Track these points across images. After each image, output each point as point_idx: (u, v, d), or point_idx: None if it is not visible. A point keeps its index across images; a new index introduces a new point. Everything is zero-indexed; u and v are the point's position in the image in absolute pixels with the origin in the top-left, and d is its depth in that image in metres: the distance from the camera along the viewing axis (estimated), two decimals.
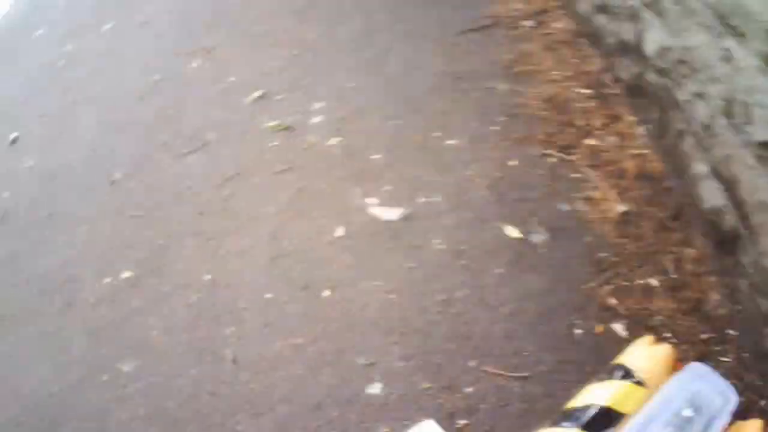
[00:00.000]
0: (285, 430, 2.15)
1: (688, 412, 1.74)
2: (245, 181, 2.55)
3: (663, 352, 1.88)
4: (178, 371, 2.25)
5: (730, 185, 2.09)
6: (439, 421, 2.09)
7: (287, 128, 2.67)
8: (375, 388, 2.15)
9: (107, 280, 2.43)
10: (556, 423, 1.79)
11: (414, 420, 2.07)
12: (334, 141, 2.65)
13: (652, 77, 2.45)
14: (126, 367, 2.25)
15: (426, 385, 2.14)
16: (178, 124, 2.84)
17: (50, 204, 2.75)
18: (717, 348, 2.15)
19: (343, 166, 2.57)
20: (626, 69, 2.64)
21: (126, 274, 2.43)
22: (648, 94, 2.49)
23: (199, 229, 2.50)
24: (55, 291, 2.52)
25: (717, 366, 2.17)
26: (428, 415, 2.14)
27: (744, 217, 2.03)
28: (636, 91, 2.58)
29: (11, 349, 2.48)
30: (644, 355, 1.89)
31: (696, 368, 1.78)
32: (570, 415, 1.79)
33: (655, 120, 2.46)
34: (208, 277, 2.39)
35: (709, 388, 1.80)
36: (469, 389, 2.16)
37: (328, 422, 2.13)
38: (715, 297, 2.19)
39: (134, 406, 2.17)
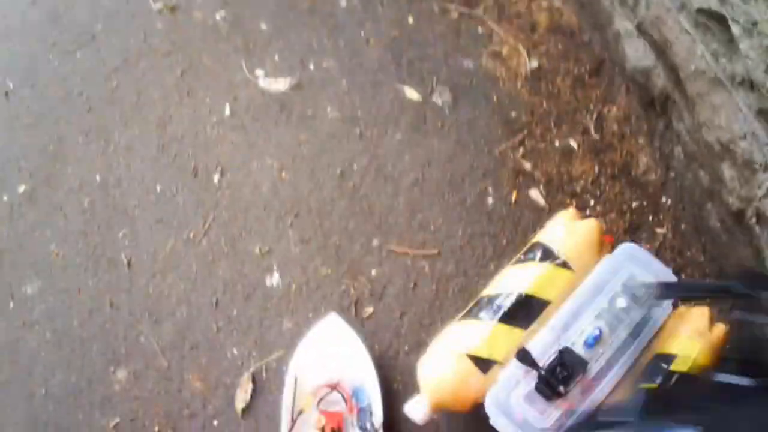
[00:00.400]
0: (186, 336, 1.49)
1: (622, 302, 1.10)
2: (131, 69, 1.74)
3: (588, 226, 1.20)
4: (77, 285, 1.57)
5: (660, 47, 1.41)
6: (345, 310, 1.47)
7: (173, 8, 1.65)
8: (273, 279, 1.36)
9: (5, 198, 1.45)
10: (471, 314, 1.18)
11: (317, 311, 1.45)
12: (219, 15, 1.61)
13: None
14: (30, 290, 1.46)
15: (327, 270, 1.37)
16: (69, 20, 1.92)
17: None
18: (650, 218, 1.31)
19: (229, 41, 1.63)
20: None
21: (22, 188, 1.49)
22: None
23: (88, 127, 1.66)
24: None
25: (652, 238, 1.28)
26: (332, 305, 1.52)
27: (677, 82, 1.36)
28: None
29: None
30: (567, 231, 1.20)
31: (628, 249, 1.15)
32: (487, 305, 1.17)
33: None
34: (99, 177, 1.49)
35: (644, 272, 1.12)
36: (374, 272, 1.54)
37: (228, 322, 1.37)
38: (644, 160, 1.33)
39: (41, 330, 1.51)
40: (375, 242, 1.51)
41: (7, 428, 1.48)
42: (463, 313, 1.25)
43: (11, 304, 1.59)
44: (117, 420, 1.46)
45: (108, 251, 1.58)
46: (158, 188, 1.62)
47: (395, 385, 1.39)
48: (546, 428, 1.06)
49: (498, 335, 1.13)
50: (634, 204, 1.53)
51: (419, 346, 1.43)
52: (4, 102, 1.83)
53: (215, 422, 1.43)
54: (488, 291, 1.23)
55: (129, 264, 1.56)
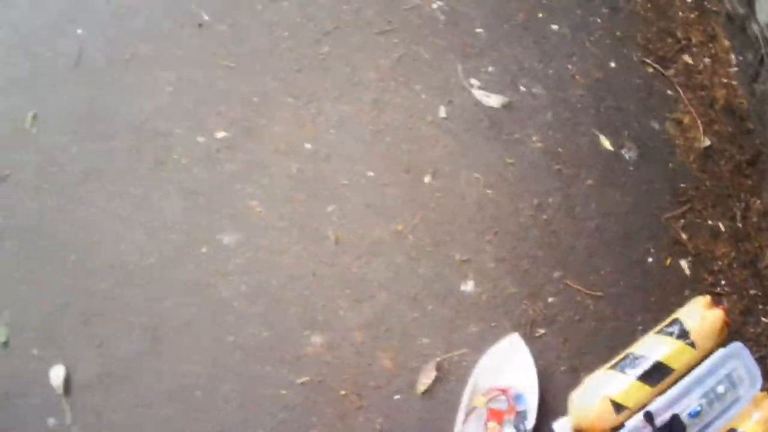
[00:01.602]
0: (383, 319, 1.66)
1: (721, 389, 1.54)
2: (344, 38, 1.76)
3: (716, 317, 1.60)
4: (279, 248, 1.68)
5: None
6: (521, 328, 1.68)
7: None
8: (468, 286, 1.56)
9: (201, 139, 1.56)
10: (619, 367, 1.57)
11: (500, 324, 1.67)
12: (436, 5, 1.67)
13: (755, 27, 1.61)
14: (226, 240, 1.51)
15: (513, 289, 1.59)
16: None
17: (130, 46, 1.71)
18: (761, 306, 1.62)
19: (445, 36, 1.71)
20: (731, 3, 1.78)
21: (220, 134, 1.59)
22: (749, 35, 1.66)
23: (297, 90, 1.66)
24: (143, 147, 1.61)
25: (758, 324, 1.64)
26: (512, 320, 1.70)
27: None
28: (736, 23, 1.73)
29: (100, 211, 1.57)
30: (700, 317, 1.60)
31: (737, 348, 1.57)
32: (631, 362, 1.56)
33: (752, 62, 1.67)
34: (309, 146, 1.58)
35: (743, 370, 1.57)
36: (551, 299, 1.77)
37: (423, 315, 1.55)
38: None
39: (236, 283, 1.53)
40: (556, 274, 1.74)
41: (188, 365, 1.63)
42: (613, 362, 1.59)
43: (204, 249, 1.69)
44: (306, 378, 1.66)
45: (315, 223, 1.70)
46: (369, 174, 1.74)
47: (548, 398, 1.68)
48: None
49: (634, 389, 1.53)
50: (752, 292, 1.83)
51: (573, 370, 1.71)
52: (197, 33, 1.81)
53: (396, 397, 1.66)
54: (634, 350, 1.59)
55: (336, 241, 1.70)
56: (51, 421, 1.70)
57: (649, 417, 1.49)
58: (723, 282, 1.80)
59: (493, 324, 1.69)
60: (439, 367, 1.66)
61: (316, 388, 1.66)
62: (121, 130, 1.82)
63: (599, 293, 1.75)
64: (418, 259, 1.70)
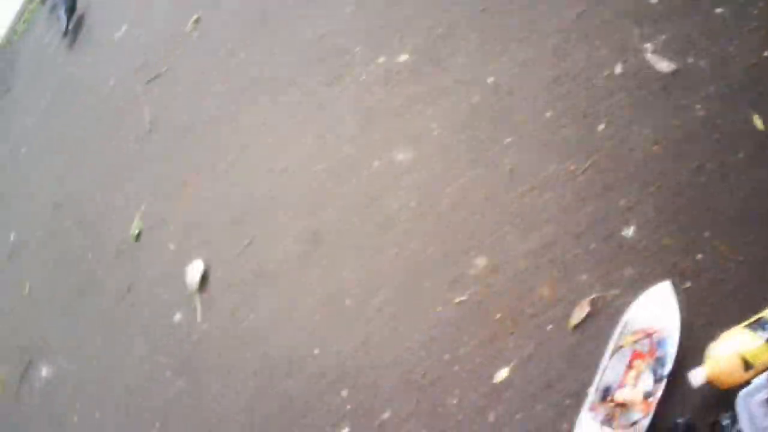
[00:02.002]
0: (547, 250, 1.76)
1: None
2: None
3: None
4: (455, 170, 1.77)
5: None
6: (671, 278, 1.73)
7: None
8: (629, 232, 1.68)
9: (381, 59, 1.62)
10: (752, 327, 1.62)
11: (653, 271, 1.74)
12: None
13: None
14: (401, 156, 1.54)
15: (668, 241, 1.71)
16: None
17: None
18: None
19: (625, 2, 1.72)
20: None
21: (403, 57, 1.62)
22: None
23: (482, 27, 1.68)
24: (322, 60, 1.68)
25: None
26: (665, 269, 1.77)
27: None
28: None
29: (265, 118, 1.63)
30: None
31: None
32: (763, 325, 1.60)
33: None
34: (491, 80, 1.64)
35: None
36: (699, 256, 1.79)
37: (585, 252, 1.70)
38: None
39: (405, 197, 1.57)
40: (706, 234, 1.83)
41: (343, 273, 1.68)
42: (749, 322, 1.66)
43: (377, 163, 1.77)
44: (463, 298, 1.74)
45: (491, 152, 1.78)
46: (548, 114, 1.83)
47: (685, 348, 1.76)
48: (765, 427, 1.54)
49: (762, 350, 1.59)
50: None
51: (710, 325, 1.79)
52: None
53: (549, 327, 1.75)
54: (766, 314, 1.66)
55: (511, 171, 1.78)
56: (178, 316, 1.74)
57: None
58: None
59: (647, 270, 1.77)
60: (593, 304, 1.74)
61: (471, 309, 1.74)
62: (297, 42, 1.88)
63: (741, 258, 1.84)
64: (586, 200, 1.78)
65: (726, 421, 1.70)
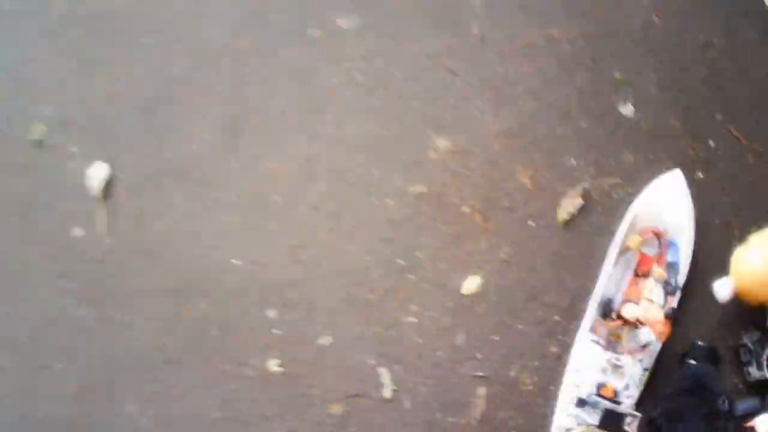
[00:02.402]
0: (527, 129, 1.41)
1: None
2: None
3: None
4: (410, 35, 1.42)
5: None
6: (680, 167, 1.41)
7: None
8: (627, 109, 1.32)
9: None
10: None
11: (657, 156, 1.44)
12: None
13: None
14: (345, 24, 1.50)
15: (675, 123, 1.38)
16: None
17: None
18: None
19: None
20: None
21: None
22: None
23: None
24: None
25: None
26: (672, 156, 1.46)
27: None
28: None
29: None
30: None
31: None
32: None
33: None
34: None
35: None
36: (712, 143, 1.49)
37: (574, 132, 1.36)
38: None
39: (351, 70, 1.57)
40: (718, 117, 1.50)
41: (271, 165, 1.32)
42: None
43: (316, 32, 1.41)
44: (422, 188, 1.36)
45: (456, 15, 1.45)
46: None
47: (700, 253, 1.41)
48: None
49: None
50: None
51: (727, 226, 1.46)
52: None
53: (531, 223, 1.38)
54: None
55: (482, 38, 1.43)
56: (76, 231, 1.36)
57: None
58: None
59: (650, 156, 1.43)
60: (586, 195, 1.38)
61: (432, 201, 1.36)
62: None
63: (760, 149, 1.52)
64: (574, 70, 1.44)
65: (752, 343, 1.35)
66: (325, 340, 1.33)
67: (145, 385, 1.29)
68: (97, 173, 1.44)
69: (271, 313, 1.33)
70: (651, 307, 1.32)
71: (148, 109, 1.41)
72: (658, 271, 1.36)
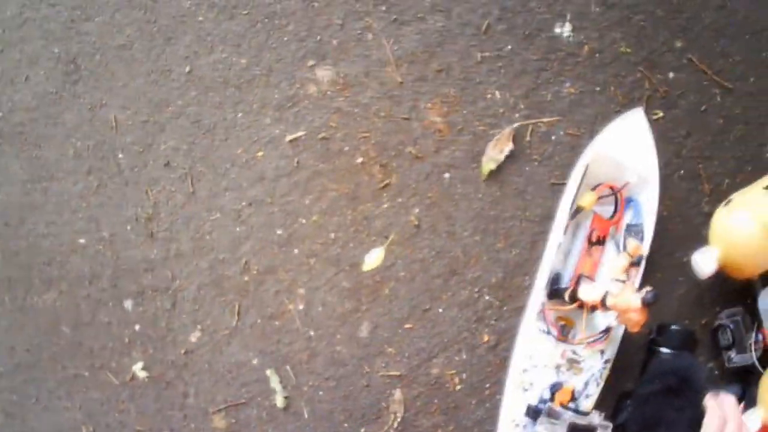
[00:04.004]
0: (435, 52, 1.08)
1: None
2: None
3: None
4: None
5: None
6: (635, 103, 1.15)
7: None
8: (565, 29, 1.03)
9: None
10: None
11: (605, 88, 1.13)
12: None
13: None
14: None
15: (626, 48, 1.21)
16: None
17: None
18: None
19: None
20: None
21: None
22: None
23: None
24: None
25: None
26: (623, 90, 1.18)
27: None
28: None
29: None
30: None
31: None
32: None
33: None
34: None
35: None
36: (672, 75, 1.20)
37: (497, 57, 1.20)
38: None
39: None
40: (678, 44, 1.20)
41: (116, 101, 0.98)
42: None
43: None
44: (300, 133, 1.01)
45: None
46: None
47: (663, 212, 1.10)
48: None
49: None
50: None
51: (695, 177, 1.16)
52: None
53: (446, 175, 1.04)
54: None
55: None
56: None
57: None
58: None
59: (597, 88, 1.11)
60: (516, 137, 1.04)
61: (315, 150, 1.02)
62: None
63: (728, 84, 1.22)
64: None
65: (733, 323, 1.04)
66: (194, 337, 0.96)
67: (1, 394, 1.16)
68: None
69: (128, 304, 0.98)
70: (623, 291, 0.97)
71: None
72: (616, 235, 1.03)
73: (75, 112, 1.14)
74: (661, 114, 1.16)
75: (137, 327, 1.09)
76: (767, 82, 1.27)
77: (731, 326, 1.07)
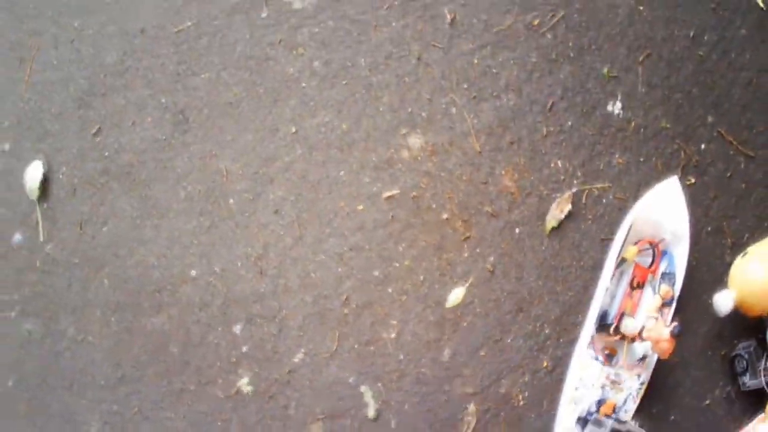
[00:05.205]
0: (509, 126, 1.28)
1: None
2: None
3: None
4: (375, 19, 1.28)
5: None
6: (672, 170, 1.34)
7: None
8: (615, 107, 1.24)
9: None
10: None
11: (648, 160, 1.33)
12: None
13: None
14: (297, 3, 1.32)
15: (666, 124, 1.31)
16: None
17: None
18: None
19: None
20: None
21: None
22: None
23: None
24: None
25: None
26: (662, 159, 1.36)
27: None
28: None
29: None
30: None
31: None
32: None
33: None
34: None
35: None
36: (704, 146, 1.39)
37: (560, 131, 1.29)
38: None
39: (307, 57, 1.30)
40: (710, 119, 1.40)
41: (222, 162, 1.19)
42: None
43: (265, 13, 1.29)
44: (395, 191, 1.22)
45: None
46: None
47: (692, 262, 1.31)
48: None
49: None
50: None
51: (719, 233, 1.37)
52: None
53: (517, 230, 1.25)
54: None
55: (452, 22, 1.30)
56: (17, 237, 1.21)
57: None
58: None
59: (641, 158, 1.32)
60: (574, 200, 1.25)
61: (407, 206, 1.22)
62: None
63: (751, 153, 1.42)
64: (558, 63, 1.32)
65: (748, 353, 1.26)
66: (297, 358, 1.17)
67: (102, 404, 1.23)
68: (33, 173, 1.29)
69: (237, 329, 1.18)
70: (656, 325, 1.20)
71: (81, 101, 1.25)
72: (652, 281, 1.25)
73: (185, 159, 1.30)
74: (693, 180, 1.37)
75: (244, 348, 1.26)
76: None
77: (746, 356, 1.29)
